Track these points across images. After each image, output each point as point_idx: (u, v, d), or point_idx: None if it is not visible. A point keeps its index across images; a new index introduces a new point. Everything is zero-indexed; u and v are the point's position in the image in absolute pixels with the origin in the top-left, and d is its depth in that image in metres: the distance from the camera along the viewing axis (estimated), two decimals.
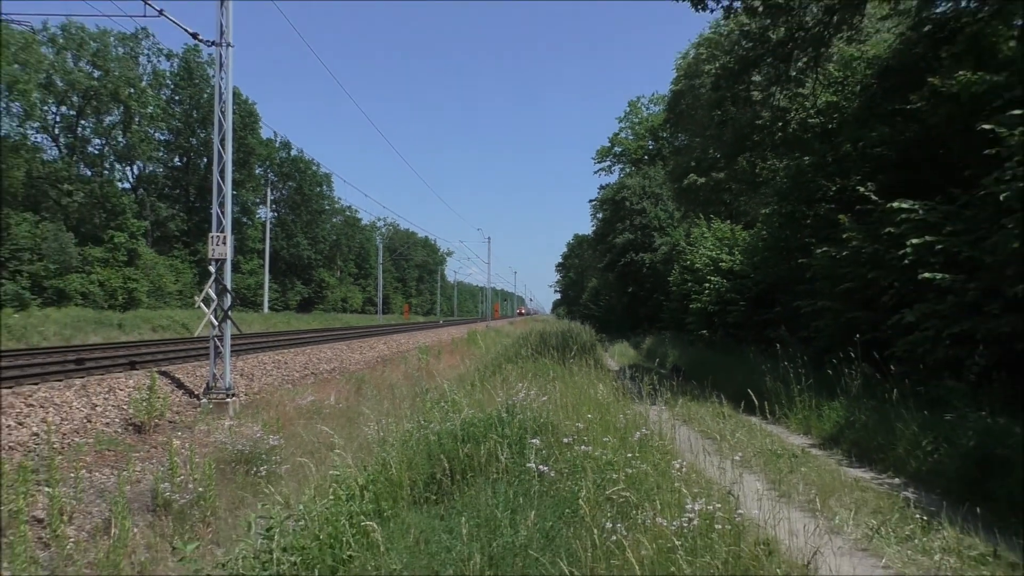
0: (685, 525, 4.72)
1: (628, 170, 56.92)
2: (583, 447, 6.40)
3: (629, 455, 6.40)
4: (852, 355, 11.67)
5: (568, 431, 7.19)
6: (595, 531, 4.79)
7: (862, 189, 13.10)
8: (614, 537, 4.70)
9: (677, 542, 4.53)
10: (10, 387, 12.65)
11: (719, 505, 5.01)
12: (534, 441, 6.81)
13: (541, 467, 6.13)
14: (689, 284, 27.12)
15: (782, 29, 17.28)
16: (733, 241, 25.25)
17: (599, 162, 61.63)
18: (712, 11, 16.96)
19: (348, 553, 5.29)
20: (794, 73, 18.35)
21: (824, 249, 13.84)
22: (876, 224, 12.24)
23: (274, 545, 5.33)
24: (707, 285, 24.59)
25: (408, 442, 7.52)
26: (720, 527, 4.76)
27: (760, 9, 16.50)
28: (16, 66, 39.56)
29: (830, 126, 16.69)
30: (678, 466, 6.26)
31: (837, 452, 10.37)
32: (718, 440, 9.58)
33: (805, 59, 17.81)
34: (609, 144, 60.66)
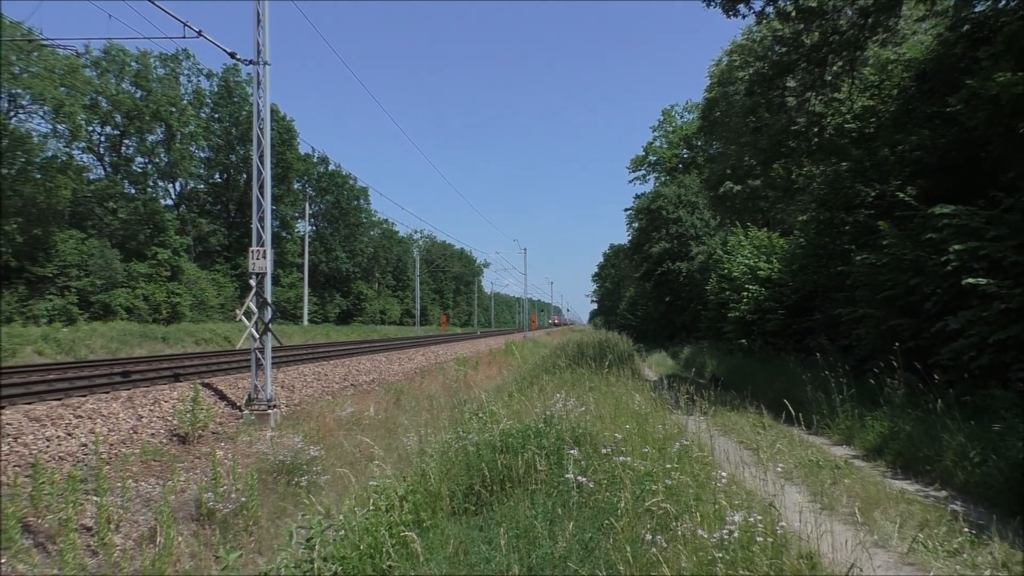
0: (725, 537, 4.68)
1: (663, 179, 56.72)
2: (621, 458, 6.37)
3: (668, 466, 6.36)
4: (894, 363, 11.46)
5: (606, 442, 7.17)
6: (634, 543, 4.78)
7: (901, 194, 12.91)
8: (653, 549, 4.68)
9: (717, 555, 4.50)
10: (59, 399, 12.97)
11: (760, 517, 4.96)
12: (572, 452, 6.81)
13: (579, 478, 6.11)
14: (727, 293, 26.88)
15: (816, 33, 17.14)
16: (771, 249, 24.98)
17: (633, 171, 61.48)
18: (744, 17, 16.90)
19: (388, 563, 5.34)
20: (829, 78, 18.18)
21: (864, 256, 13.64)
22: (917, 230, 12.04)
23: (315, 554, 5.40)
24: (745, 294, 24.35)
25: (447, 453, 7.57)
26: (761, 540, 4.71)
27: (793, 14, 16.39)
28: (62, 89, 40.69)
29: (867, 131, 16.48)
30: (718, 477, 6.20)
31: (881, 463, 10.18)
32: (758, 451, 9.47)
33: (840, 63, 17.64)
34: (643, 153, 60.51)
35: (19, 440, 10.44)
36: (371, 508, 6.09)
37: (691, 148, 53.81)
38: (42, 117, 41.58)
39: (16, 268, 38.90)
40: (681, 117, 58.61)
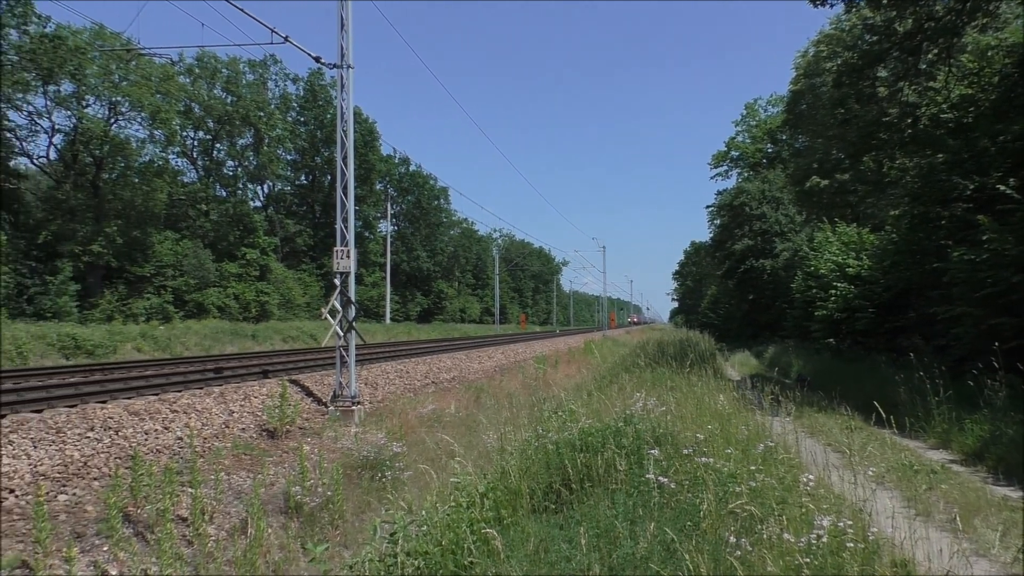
0: (813, 542, 4.54)
1: (746, 174, 55.47)
2: (703, 459, 6.26)
3: (752, 468, 6.21)
4: (995, 364, 10.91)
5: (688, 442, 7.06)
6: (717, 545, 4.69)
7: (1002, 187, 12.28)
8: (738, 552, 4.58)
9: (804, 560, 4.37)
10: (156, 394, 13.59)
11: (850, 522, 4.80)
12: (653, 452, 6.73)
13: (660, 478, 6.03)
14: (813, 291, 26.12)
15: (909, 20, 16.44)
16: (860, 245, 24.15)
17: (715, 167, 60.36)
18: (832, 6, 16.38)
19: (469, 559, 5.38)
20: (924, 66, 17.41)
21: (962, 252, 13.03)
22: (1019, 224, 11.42)
23: (398, 549, 5.49)
24: (833, 292, 23.61)
25: (526, 451, 7.58)
26: (852, 546, 4.55)
27: (885, 0, 15.76)
28: (158, 96, 42.57)
29: (965, 120, 15.72)
30: (805, 480, 6.03)
31: (981, 469, 9.71)
32: (847, 454, 9.15)
33: (936, 51, 16.86)
34: (725, 148, 59.32)
35: (119, 433, 10.98)
36: (452, 505, 6.16)
37: (775, 142, 52.46)
38: (140, 123, 43.59)
39: (117, 268, 40.91)
40: (765, 111, 57.22)
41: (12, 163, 39.97)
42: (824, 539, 4.57)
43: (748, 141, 57.52)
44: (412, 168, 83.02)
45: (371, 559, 5.64)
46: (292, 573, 7.59)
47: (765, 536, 4.82)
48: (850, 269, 23.20)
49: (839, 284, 23.34)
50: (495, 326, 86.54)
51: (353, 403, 15.63)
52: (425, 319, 79.16)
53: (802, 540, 4.57)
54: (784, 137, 48.03)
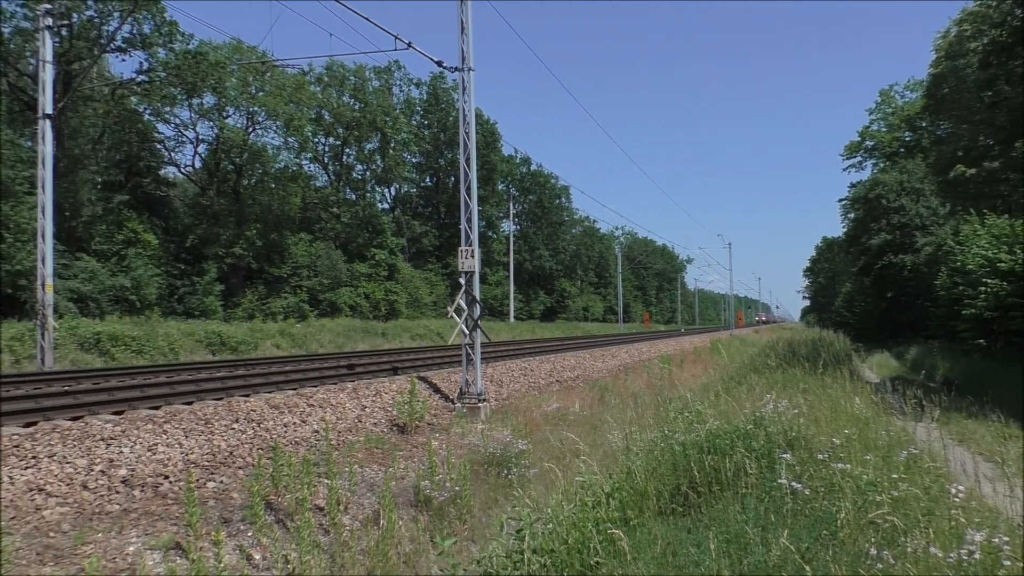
0: (964, 558, 4.26)
1: (881, 165, 52.61)
2: (840, 464, 6.00)
3: (894, 476, 5.89)
4: None
5: (822, 447, 6.78)
6: (856, 557, 4.48)
7: None
8: (879, 565, 4.36)
9: None
10: (294, 389, 14.31)
11: (1006, 538, 4.46)
12: (785, 456, 6.50)
13: (794, 484, 5.82)
14: (960, 288, 24.49)
15: None
16: (1013, 238, 22.41)
17: (848, 158, 57.57)
18: None
19: (595, 559, 5.38)
20: None
21: None
22: None
23: (525, 546, 5.56)
24: (983, 289, 22.06)
25: (652, 451, 7.50)
26: (1009, 564, 4.24)
27: None
28: (291, 105, 44.87)
29: None
30: (954, 491, 5.66)
31: None
32: (1002, 464, 8.54)
33: None
34: (859, 138, 56.44)
35: (261, 425, 11.64)
36: (578, 504, 6.17)
37: (914, 130, 49.48)
38: (275, 131, 46.19)
39: (256, 269, 43.39)
40: (901, 96, 54.12)
41: (162, 172, 43.35)
42: (976, 555, 4.27)
43: (884, 129, 54.53)
44: (533, 168, 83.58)
45: (498, 555, 5.74)
46: (422, 565, 7.81)
47: (909, 550, 4.56)
48: (1002, 264, 21.60)
49: (990, 281, 21.78)
50: (618, 325, 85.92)
51: (479, 400, 15.91)
52: (548, 318, 79.53)
53: (951, 556, 4.30)
54: (924, 124, 45.24)
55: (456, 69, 16.56)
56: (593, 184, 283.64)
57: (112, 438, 9.57)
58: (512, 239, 72.10)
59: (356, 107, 55.87)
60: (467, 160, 16.49)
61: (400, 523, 8.41)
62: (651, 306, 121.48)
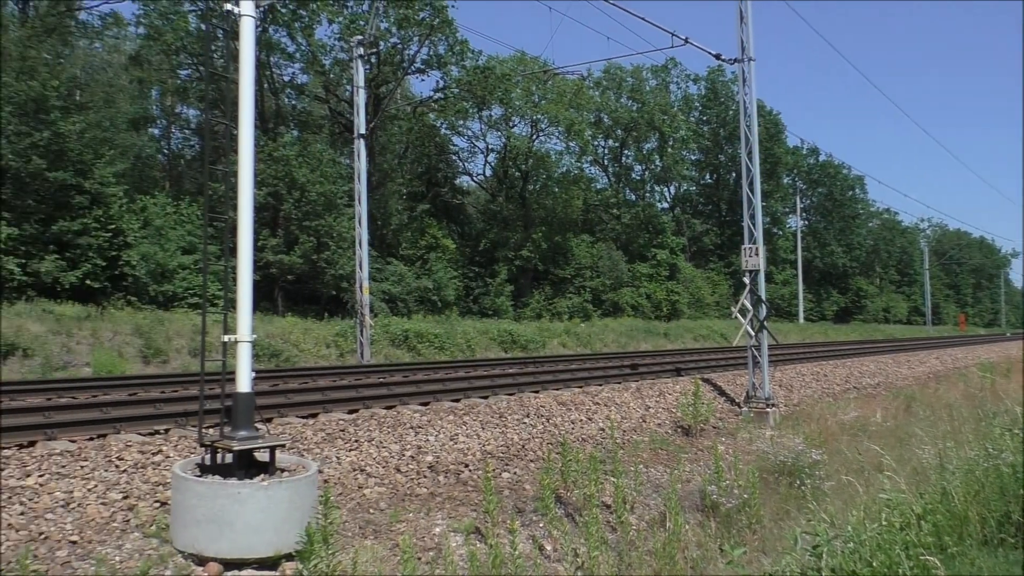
0: None
1: None
2: None
3: None
4: None
5: None
6: None
7: None
8: None
9: None
10: (579, 386, 14.74)
11: None
12: None
13: None
14: None
15: None
16: None
17: None
18: None
19: None
20: None
21: None
22: None
23: (822, 564, 5.20)
24: None
25: (973, 471, 6.66)
26: None
27: None
28: (571, 110, 46.38)
29: None
30: None
31: None
32: None
33: None
34: None
35: (550, 421, 12.15)
36: (883, 523, 5.65)
37: None
38: (557, 137, 48.14)
39: (543, 271, 45.44)
40: None
41: (457, 181, 47.23)
42: None
43: None
44: (822, 158, 78.22)
45: (792, 570, 5.42)
46: (709, 572, 7.65)
47: None
48: None
49: None
50: (926, 327, 77.70)
51: (767, 405, 15.25)
52: (842, 319, 74.09)
53: None
54: None
55: (735, 61, 16.06)
56: (893, 172, 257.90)
57: (420, 427, 10.56)
58: (800, 235, 68.21)
59: (634, 108, 56.26)
60: (748, 154, 15.90)
61: (686, 527, 8.31)
62: (966, 307, 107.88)
